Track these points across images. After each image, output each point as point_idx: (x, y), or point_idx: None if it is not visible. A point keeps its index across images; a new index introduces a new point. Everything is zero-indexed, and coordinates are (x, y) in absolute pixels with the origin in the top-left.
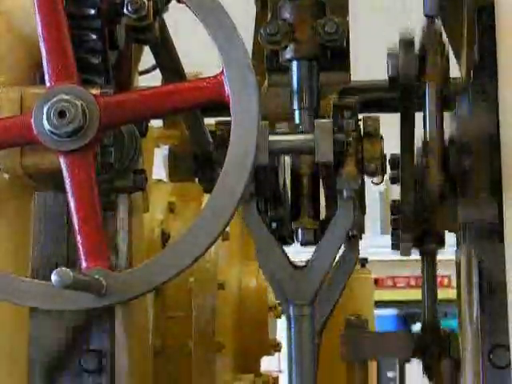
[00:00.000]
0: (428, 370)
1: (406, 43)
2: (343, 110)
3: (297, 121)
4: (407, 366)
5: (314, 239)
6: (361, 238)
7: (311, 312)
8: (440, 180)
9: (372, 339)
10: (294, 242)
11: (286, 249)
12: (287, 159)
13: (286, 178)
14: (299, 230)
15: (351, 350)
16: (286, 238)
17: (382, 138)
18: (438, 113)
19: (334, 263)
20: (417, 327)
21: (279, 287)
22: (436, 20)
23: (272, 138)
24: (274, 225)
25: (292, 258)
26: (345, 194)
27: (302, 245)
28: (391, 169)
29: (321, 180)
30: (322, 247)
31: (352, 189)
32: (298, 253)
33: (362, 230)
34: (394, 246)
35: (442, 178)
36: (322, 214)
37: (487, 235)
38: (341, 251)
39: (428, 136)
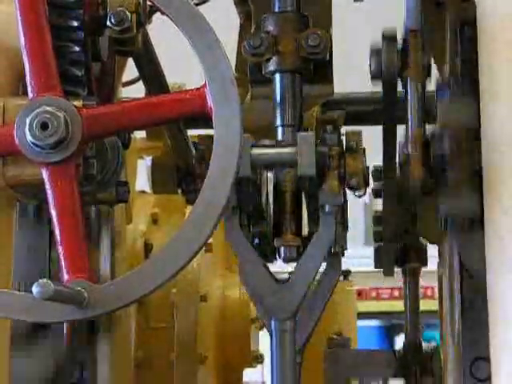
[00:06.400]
0: None
1: (389, 39)
2: (326, 124)
3: (279, 137)
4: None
5: (297, 256)
6: (343, 255)
7: (293, 326)
8: (422, 174)
9: (355, 357)
10: (276, 259)
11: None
12: (270, 175)
13: (269, 194)
14: (282, 247)
15: (334, 369)
16: (268, 255)
17: (364, 151)
18: (419, 108)
19: (316, 280)
20: (400, 339)
21: (261, 301)
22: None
23: (254, 151)
24: (256, 241)
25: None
26: (327, 208)
27: (284, 262)
28: (374, 181)
29: (303, 196)
30: (304, 262)
31: (334, 204)
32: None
33: (344, 247)
34: (377, 264)
35: (424, 172)
36: (305, 232)
37: (468, 227)
38: (323, 267)
39: (409, 131)
